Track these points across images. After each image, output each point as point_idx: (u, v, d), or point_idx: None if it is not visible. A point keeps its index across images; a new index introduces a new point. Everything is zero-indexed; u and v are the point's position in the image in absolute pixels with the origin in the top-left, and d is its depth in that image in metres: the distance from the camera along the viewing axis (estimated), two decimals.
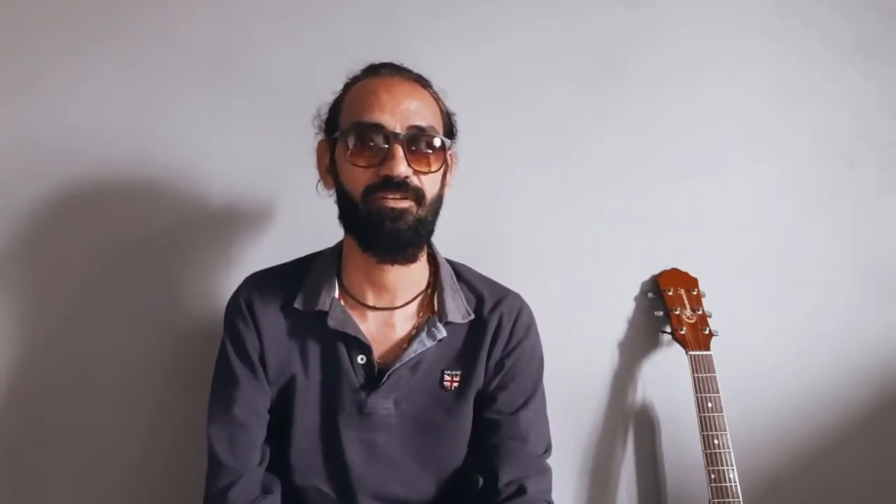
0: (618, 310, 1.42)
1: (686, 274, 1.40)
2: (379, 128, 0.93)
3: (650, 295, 1.41)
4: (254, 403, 1.01)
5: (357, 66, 1.02)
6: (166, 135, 1.28)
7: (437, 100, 1.01)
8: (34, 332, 1.25)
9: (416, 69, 1.02)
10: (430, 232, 1.00)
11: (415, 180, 0.94)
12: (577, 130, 1.41)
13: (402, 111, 0.94)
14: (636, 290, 1.43)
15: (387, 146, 0.93)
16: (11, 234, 1.24)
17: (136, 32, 1.28)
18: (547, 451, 1.09)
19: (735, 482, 1.21)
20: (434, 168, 0.96)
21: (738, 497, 1.20)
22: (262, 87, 1.31)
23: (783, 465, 1.45)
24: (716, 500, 1.20)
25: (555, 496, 1.08)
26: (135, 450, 1.28)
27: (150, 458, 1.28)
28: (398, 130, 0.93)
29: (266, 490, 1.02)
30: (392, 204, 0.93)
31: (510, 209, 1.39)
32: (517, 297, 1.10)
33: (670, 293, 1.37)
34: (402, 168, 0.92)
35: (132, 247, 1.27)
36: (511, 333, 1.06)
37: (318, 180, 1.04)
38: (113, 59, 1.27)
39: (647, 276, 1.43)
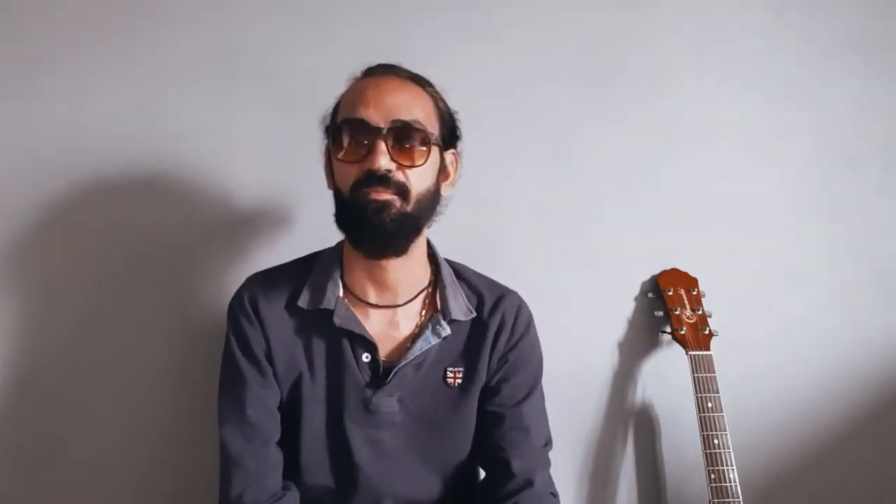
0: (618, 310, 1.42)
1: (686, 274, 1.40)
2: (362, 123, 0.93)
3: (650, 295, 1.41)
4: (266, 403, 1.01)
5: (358, 68, 1.02)
6: (173, 134, 1.28)
7: (435, 97, 1.01)
8: (42, 334, 1.25)
9: (415, 68, 1.02)
10: (417, 228, 0.99)
11: (398, 175, 0.94)
12: (576, 130, 1.41)
13: (386, 106, 0.93)
14: (636, 290, 1.43)
15: (370, 141, 0.93)
16: (19, 235, 1.24)
17: (140, 33, 1.28)
18: (547, 443, 1.10)
19: (735, 482, 1.21)
20: (419, 162, 0.95)
21: (738, 497, 1.20)
22: (269, 86, 1.31)
23: (783, 465, 1.45)
24: (716, 500, 1.20)
25: None
26: (145, 450, 1.28)
27: (161, 458, 1.28)
28: (381, 125, 0.93)
29: (284, 488, 1.02)
30: (374, 196, 0.92)
31: (509, 209, 1.39)
32: (515, 294, 1.12)
33: (670, 293, 1.37)
34: (382, 161, 0.92)
35: (141, 247, 1.27)
36: (513, 330, 1.08)
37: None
38: (119, 57, 1.27)
39: (647, 276, 1.43)
